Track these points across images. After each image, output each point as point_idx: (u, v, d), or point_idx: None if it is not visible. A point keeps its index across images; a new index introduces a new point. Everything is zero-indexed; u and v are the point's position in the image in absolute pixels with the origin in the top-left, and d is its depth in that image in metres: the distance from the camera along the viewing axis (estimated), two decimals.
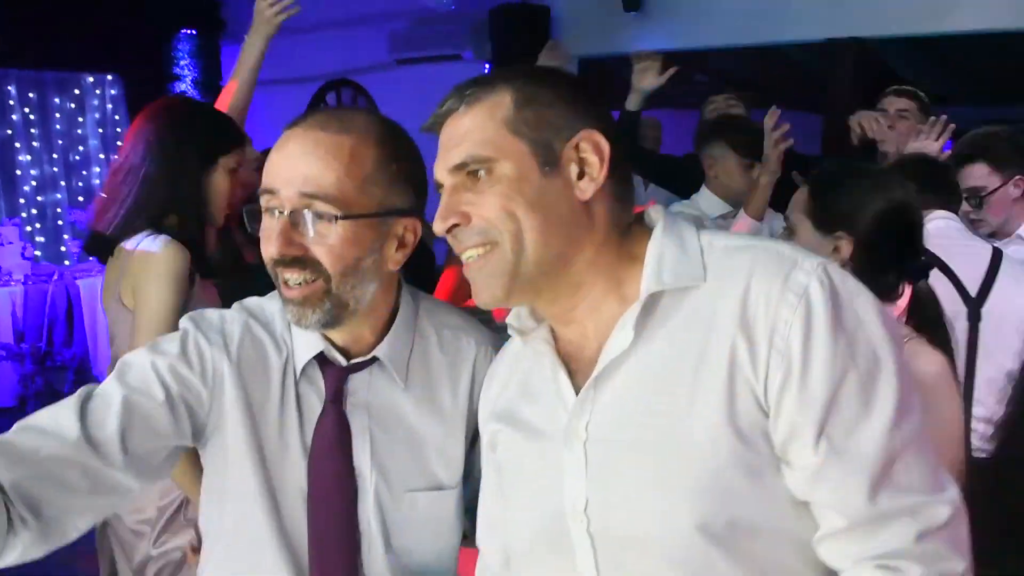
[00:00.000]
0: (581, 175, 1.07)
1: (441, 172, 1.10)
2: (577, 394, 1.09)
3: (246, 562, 1.29)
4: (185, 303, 1.88)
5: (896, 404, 0.96)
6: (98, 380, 1.33)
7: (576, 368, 1.12)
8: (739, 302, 1.00)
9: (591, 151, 1.07)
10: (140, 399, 1.21)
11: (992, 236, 2.74)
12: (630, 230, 1.12)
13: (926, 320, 1.63)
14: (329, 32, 6.48)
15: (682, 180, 3.55)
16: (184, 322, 1.32)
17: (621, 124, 3.61)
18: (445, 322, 1.38)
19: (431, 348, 1.36)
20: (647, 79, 3.49)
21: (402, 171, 1.25)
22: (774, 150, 2.93)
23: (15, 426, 1.16)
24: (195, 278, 1.95)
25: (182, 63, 6.77)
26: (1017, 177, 2.71)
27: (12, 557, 1.10)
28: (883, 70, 4.71)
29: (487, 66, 5.63)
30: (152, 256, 1.88)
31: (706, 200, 3.25)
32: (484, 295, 1.09)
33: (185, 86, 6.76)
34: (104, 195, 2.03)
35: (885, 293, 1.57)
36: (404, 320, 1.34)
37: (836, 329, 0.96)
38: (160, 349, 1.27)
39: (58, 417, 1.17)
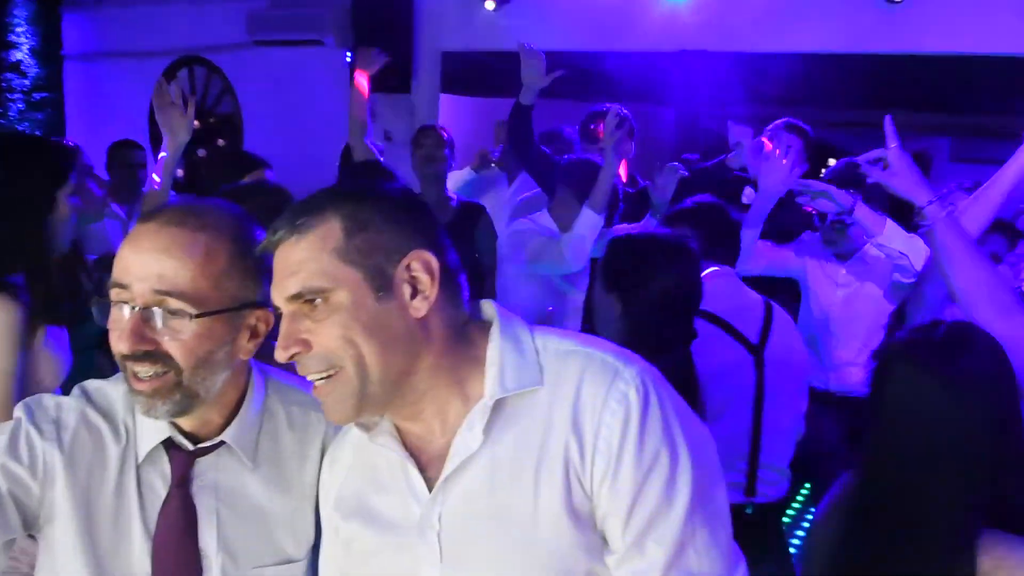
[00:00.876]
0: (414, 294, 1.12)
1: (278, 299, 1.14)
2: (428, 486, 1.17)
3: None
4: (25, 359, 1.82)
5: (690, 498, 1.11)
6: None
7: (424, 460, 1.19)
8: (571, 407, 1.12)
9: (421, 270, 1.13)
10: None
11: None
12: (466, 329, 1.19)
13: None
14: (183, 5, 6.21)
15: (552, 184, 3.73)
16: (18, 411, 1.31)
17: (514, 117, 3.76)
18: (294, 399, 1.42)
19: (280, 426, 1.39)
20: (533, 77, 3.66)
21: (255, 264, 1.28)
22: (609, 142, 3.37)
23: None
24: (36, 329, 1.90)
25: (18, 30, 6.33)
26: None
27: None
28: (729, 79, 4.98)
29: (348, 54, 5.54)
30: None
31: (545, 220, 3.58)
32: (335, 415, 1.15)
33: (21, 55, 6.33)
34: None
35: (660, 348, 1.70)
36: (251, 404, 1.37)
37: (647, 434, 1.10)
38: None
39: None
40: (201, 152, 6.24)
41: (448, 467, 1.15)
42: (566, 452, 1.12)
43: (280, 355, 1.13)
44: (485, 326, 1.21)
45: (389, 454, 1.21)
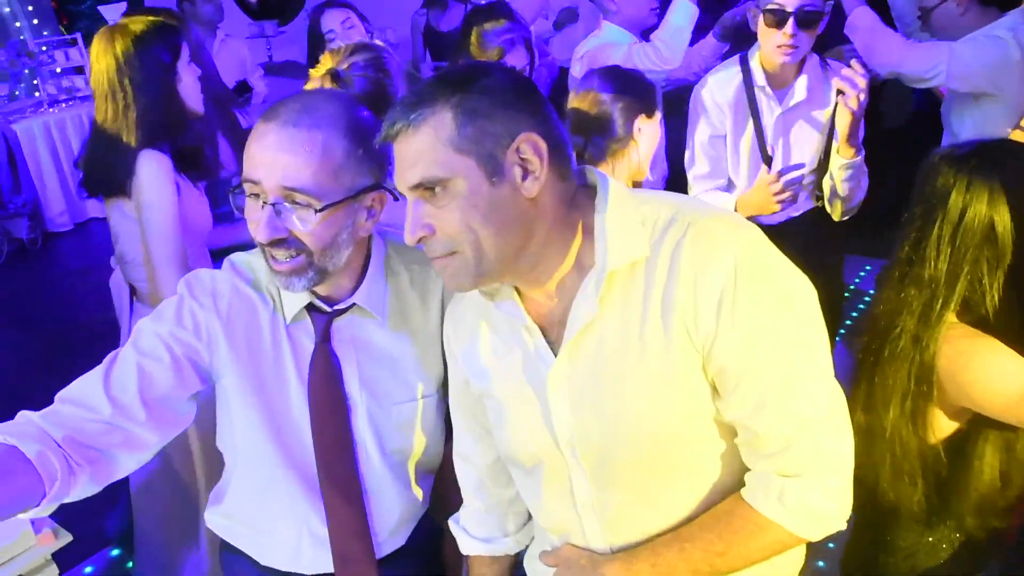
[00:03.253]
0: (525, 175, 1.18)
1: (402, 187, 1.21)
2: (552, 349, 1.28)
3: (260, 482, 1.54)
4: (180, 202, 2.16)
5: (799, 346, 1.18)
6: (48, 225, 1.62)
7: (545, 324, 1.30)
8: (676, 271, 1.18)
9: (531, 152, 1.17)
10: (150, 362, 1.42)
11: None
12: (575, 199, 1.25)
13: None
14: None
15: None
16: (180, 287, 1.51)
17: None
18: (414, 259, 1.55)
19: (403, 285, 1.54)
20: None
21: (368, 153, 1.37)
22: None
23: (56, 398, 1.38)
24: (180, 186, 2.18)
25: None
26: None
27: (75, 494, 1.34)
28: None
29: None
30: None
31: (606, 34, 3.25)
32: (455, 287, 1.25)
33: None
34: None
35: None
36: (376, 267, 1.52)
37: (749, 294, 1.15)
38: (162, 317, 1.47)
39: (89, 390, 1.38)
40: None
41: (569, 332, 1.25)
42: (674, 312, 1.18)
43: (408, 239, 1.22)
44: (591, 192, 1.27)
45: (514, 322, 1.31)
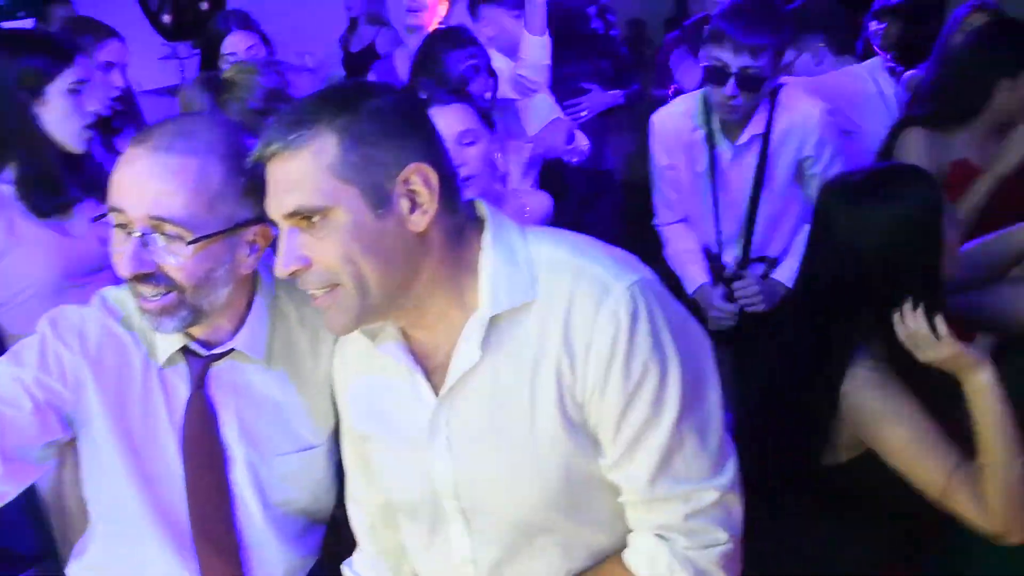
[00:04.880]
0: (413, 207, 1.12)
1: (275, 214, 1.14)
2: (436, 392, 1.23)
3: (128, 535, 1.43)
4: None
5: (679, 409, 1.16)
6: None
7: (431, 366, 1.25)
8: (562, 322, 1.15)
9: (421, 184, 1.12)
10: (9, 410, 1.30)
11: None
12: (463, 233, 1.20)
13: None
14: None
15: None
16: (43, 325, 1.39)
17: None
18: (306, 298, 1.45)
19: (292, 327, 1.45)
20: None
21: (252, 183, 1.28)
22: None
23: None
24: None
25: None
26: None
27: None
28: None
29: None
30: None
31: None
32: (335, 327, 1.19)
33: None
34: None
35: None
36: (260, 308, 1.43)
37: (635, 349, 1.13)
38: (22, 359, 1.35)
39: None
40: (204, 5, 6.00)
41: (450, 378, 1.21)
42: (558, 368, 1.16)
43: (280, 271, 1.15)
44: (479, 226, 1.22)
45: (398, 366, 1.26)
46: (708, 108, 2.54)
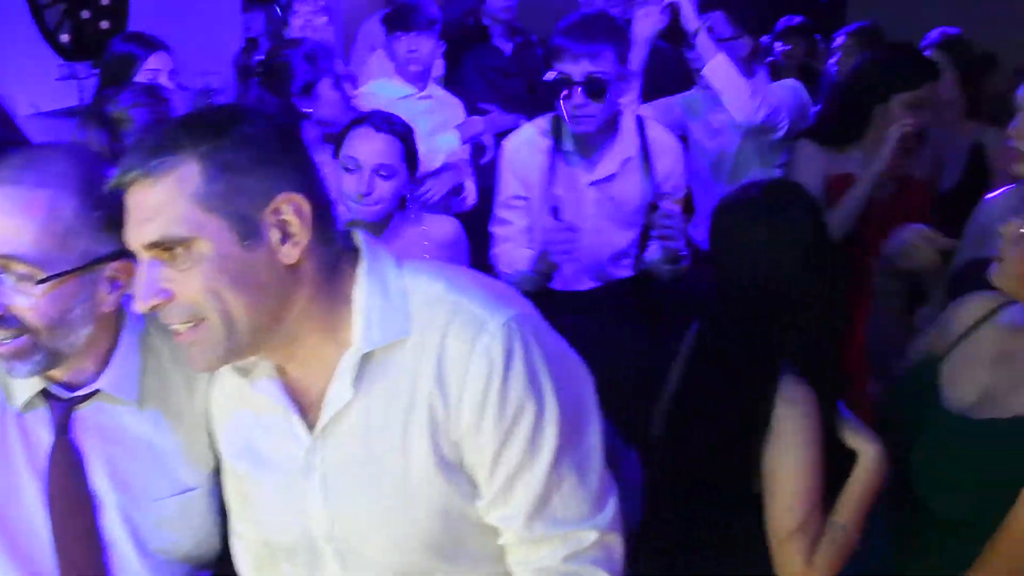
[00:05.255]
0: (284, 238, 1.08)
1: (134, 244, 1.08)
2: (310, 429, 1.18)
3: None
4: None
5: (556, 447, 1.14)
6: None
7: (305, 403, 1.20)
8: (436, 360, 1.12)
9: (292, 214, 1.08)
10: None
11: None
12: (338, 267, 1.16)
13: None
14: None
15: None
16: None
17: None
18: None
19: (164, 364, 1.38)
20: None
21: (107, 213, 1.20)
22: None
23: None
24: None
25: None
26: (746, 38, 3.08)
27: None
28: None
29: None
30: None
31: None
32: (200, 365, 1.13)
33: None
34: None
35: None
36: (128, 346, 1.35)
37: (509, 387, 1.11)
38: None
39: None
40: (85, 13, 5.81)
41: (323, 416, 1.17)
42: (431, 407, 1.13)
43: (139, 306, 1.09)
44: (355, 257, 1.18)
45: (272, 402, 1.22)
46: (560, 129, 2.54)
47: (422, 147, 3.19)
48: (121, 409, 1.35)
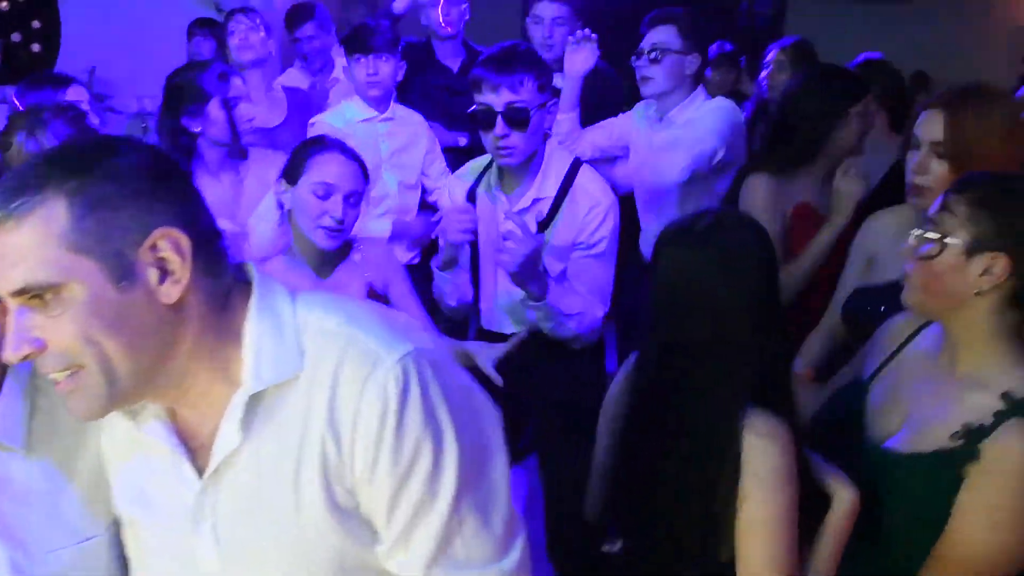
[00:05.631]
0: (163, 277, 1.01)
1: (0, 291, 1.01)
2: (200, 475, 1.12)
3: None
4: None
5: (457, 488, 1.08)
6: None
7: (195, 445, 1.13)
8: (327, 400, 1.06)
9: (170, 250, 1.01)
10: None
11: (658, 99, 3.05)
12: (229, 301, 1.09)
13: None
14: None
15: None
16: None
17: None
18: None
19: (54, 405, 1.26)
20: None
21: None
22: None
23: None
24: None
25: None
26: (695, 54, 2.98)
27: None
28: None
29: None
30: None
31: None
32: (81, 414, 1.06)
33: None
34: None
35: None
36: (11, 389, 1.25)
37: (405, 427, 1.05)
38: None
39: None
40: (16, 36, 5.66)
41: (213, 461, 1.10)
42: (323, 450, 1.06)
43: (8, 356, 1.01)
44: (247, 290, 1.12)
45: (160, 445, 1.14)
46: (492, 163, 2.50)
47: (385, 172, 3.20)
48: (8, 457, 1.25)
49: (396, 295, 2.39)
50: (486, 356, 2.23)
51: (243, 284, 1.12)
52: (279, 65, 4.39)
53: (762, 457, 1.42)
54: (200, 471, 1.12)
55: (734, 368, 1.48)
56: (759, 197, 2.48)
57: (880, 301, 1.83)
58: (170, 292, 1.02)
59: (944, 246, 1.44)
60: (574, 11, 3.29)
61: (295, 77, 4.19)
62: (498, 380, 2.18)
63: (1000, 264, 1.41)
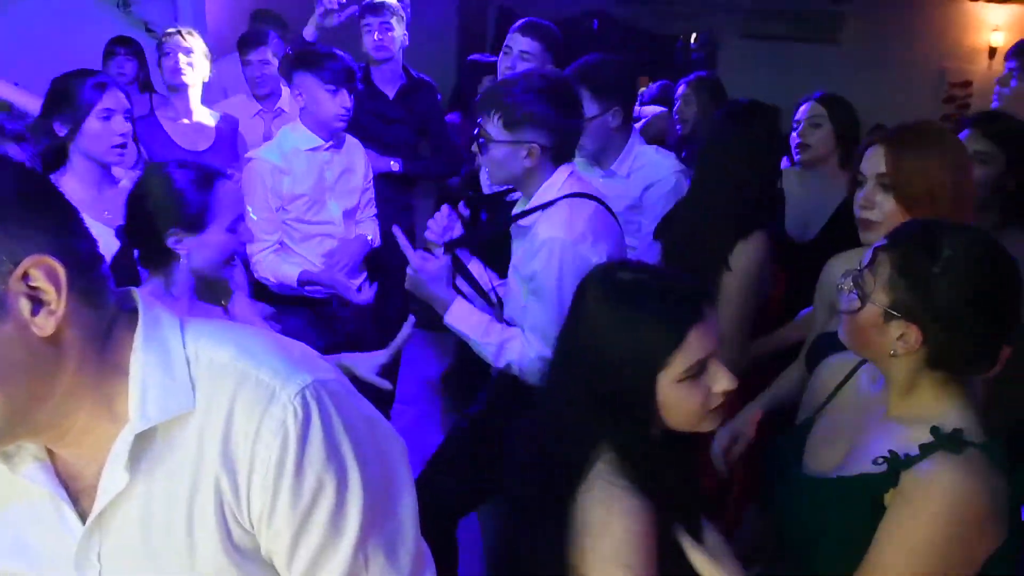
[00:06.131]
0: (36, 307, 0.91)
1: None
2: (83, 520, 1.02)
3: None
4: None
5: (361, 524, 1.02)
6: None
7: (79, 487, 1.03)
8: (221, 437, 0.99)
9: (43, 279, 0.91)
10: None
11: (595, 158, 2.94)
12: (112, 332, 1.00)
13: None
14: None
15: None
16: None
17: None
18: None
19: None
20: None
21: None
22: None
23: None
24: None
25: None
26: (616, 108, 2.85)
27: None
28: None
29: None
30: None
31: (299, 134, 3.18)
32: None
33: None
34: None
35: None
36: None
37: (306, 463, 0.99)
38: None
39: None
40: None
41: (98, 504, 1.01)
42: (218, 489, 0.99)
43: None
44: (133, 320, 1.02)
45: (40, 488, 1.04)
46: None
47: (329, 200, 3.16)
48: None
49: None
50: (366, 366, 2.17)
51: (128, 313, 1.03)
52: (223, 90, 4.29)
53: (600, 535, 1.34)
54: (83, 516, 1.02)
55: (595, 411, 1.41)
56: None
57: (841, 347, 1.83)
58: (44, 325, 0.92)
59: (864, 305, 1.44)
60: (544, 47, 3.20)
61: (240, 103, 4.10)
62: (385, 385, 2.15)
63: (913, 335, 1.41)
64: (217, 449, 0.99)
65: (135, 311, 1.03)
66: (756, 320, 2.44)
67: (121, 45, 4.18)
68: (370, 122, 3.68)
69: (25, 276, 0.90)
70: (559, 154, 2.27)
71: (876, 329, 1.44)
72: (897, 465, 1.38)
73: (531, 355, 2.21)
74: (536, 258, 2.19)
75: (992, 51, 8.09)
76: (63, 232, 0.95)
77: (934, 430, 1.38)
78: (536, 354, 2.20)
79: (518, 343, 2.23)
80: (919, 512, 1.33)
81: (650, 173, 2.91)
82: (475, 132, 2.30)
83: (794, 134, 3.11)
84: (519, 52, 3.18)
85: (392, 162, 3.73)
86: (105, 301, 0.99)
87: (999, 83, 3.34)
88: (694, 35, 8.53)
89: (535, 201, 2.27)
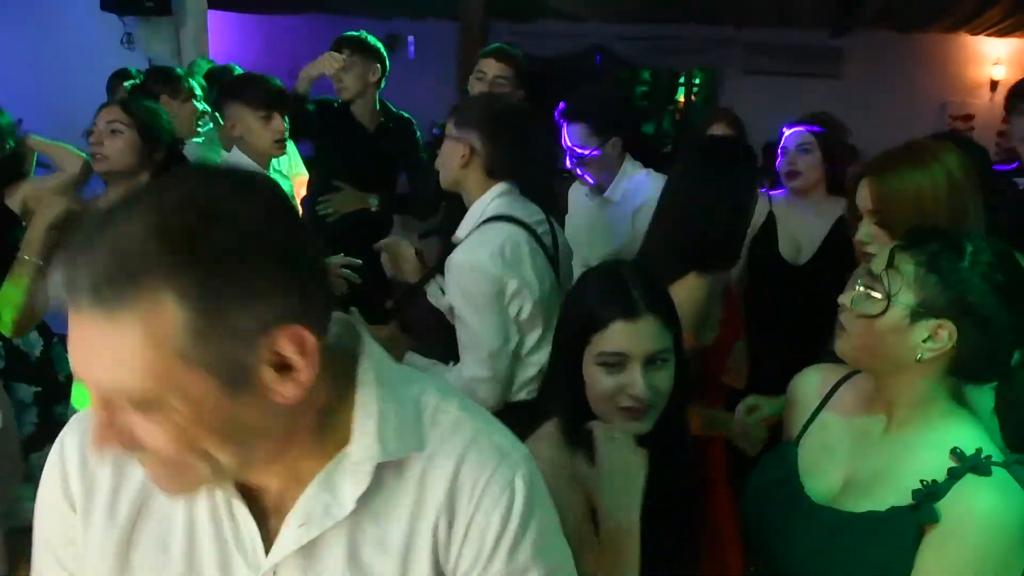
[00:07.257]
0: (281, 370, 0.83)
1: (80, 376, 0.82)
2: (266, 545, 0.95)
3: None
4: None
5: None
6: None
7: (261, 508, 0.96)
8: (448, 482, 0.95)
9: (293, 351, 0.82)
10: None
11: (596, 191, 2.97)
12: (335, 373, 0.93)
13: None
14: None
15: None
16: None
17: None
18: None
19: None
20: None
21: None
22: None
23: None
24: None
25: None
26: (614, 139, 2.89)
27: None
28: None
29: None
30: None
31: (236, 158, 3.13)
32: (174, 493, 0.93)
33: None
34: None
35: None
36: None
37: (526, 535, 0.97)
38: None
39: None
40: None
41: (307, 529, 0.93)
42: (435, 531, 0.95)
43: (93, 448, 0.85)
44: (348, 356, 0.96)
45: (216, 503, 0.96)
46: None
47: None
48: None
49: None
50: None
51: (343, 351, 0.96)
52: None
53: None
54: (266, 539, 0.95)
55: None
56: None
57: None
58: (291, 393, 0.84)
59: (888, 307, 1.38)
60: (517, 72, 3.23)
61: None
62: None
63: (945, 332, 1.35)
64: (443, 492, 0.95)
65: (347, 349, 0.97)
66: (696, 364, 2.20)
67: (125, 80, 4.20)
68: (348, 156, 3.64)
69: (273, 348, 0.82)
70: (494, 168, 2.29)
71: (898, 334, 1.37)
72: (931, 497, 1.32)
73: (464, 377, 2.21)
74: (450, 283, 2.23)
75: (994, 84, 8.13)
76: (309, 285, 0.84)
77: (955, 452, 1.33)
78: (468, 375, 2.20)
79: (452, 375, 2.24)
80: (960, 541, 1.29)
81: (637, 196, 2.90)
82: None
83: (782, 161, 3.07)
84: (494, 77, 3.22)
85: (371, 199, 3.70)
86: (336, 344, 0.94)
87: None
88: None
89: (467, 220, 2.31)
